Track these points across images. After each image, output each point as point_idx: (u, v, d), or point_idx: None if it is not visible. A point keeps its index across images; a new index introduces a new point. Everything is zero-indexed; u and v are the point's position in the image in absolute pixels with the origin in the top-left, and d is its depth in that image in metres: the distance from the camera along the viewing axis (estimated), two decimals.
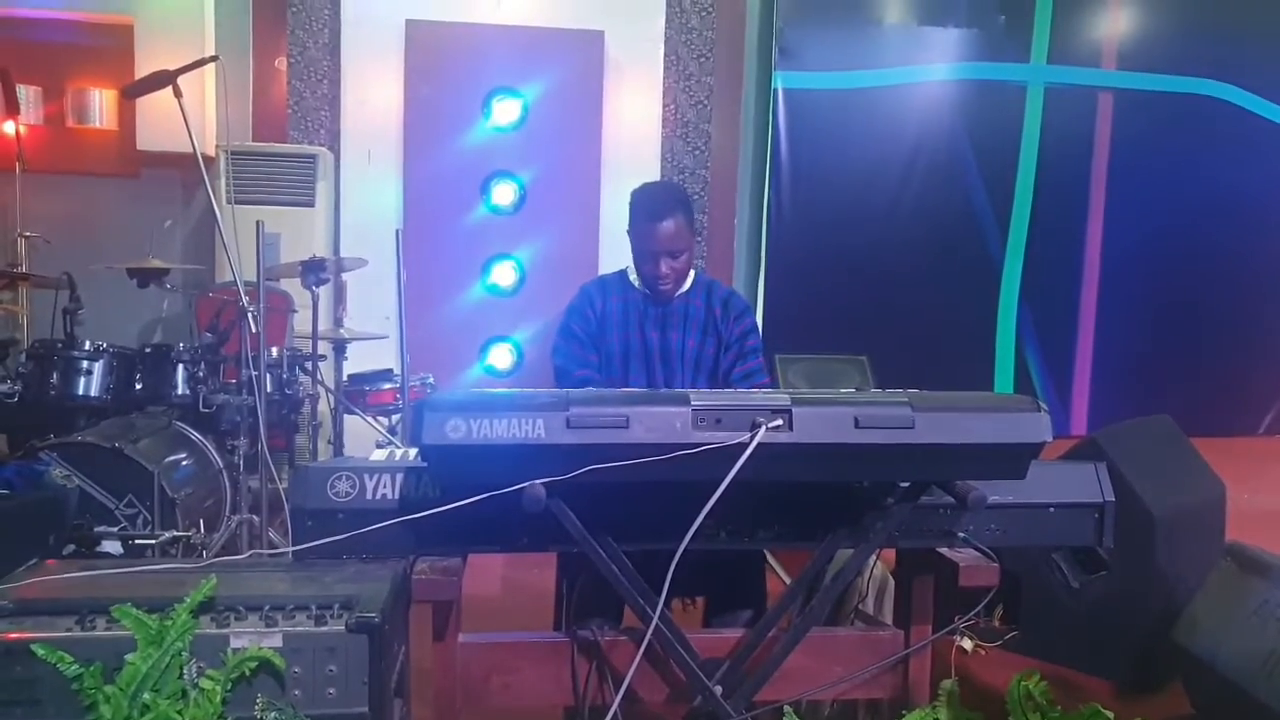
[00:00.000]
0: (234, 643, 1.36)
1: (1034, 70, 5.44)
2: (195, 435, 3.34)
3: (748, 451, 1.40)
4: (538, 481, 1.44)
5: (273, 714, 1.30)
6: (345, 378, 3.83)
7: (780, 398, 1.48)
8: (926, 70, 5.35)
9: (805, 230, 5.19)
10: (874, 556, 1.94)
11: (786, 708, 1.49)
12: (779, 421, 1.43)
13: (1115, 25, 5.56)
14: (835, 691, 1.81)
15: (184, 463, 3.20)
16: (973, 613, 1.71)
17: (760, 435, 1.41)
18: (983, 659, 2.50)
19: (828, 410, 1.46)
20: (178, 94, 3.13)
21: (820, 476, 1.55)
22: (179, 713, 1.26)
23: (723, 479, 1.41)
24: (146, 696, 1.26)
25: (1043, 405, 1.50)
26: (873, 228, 5.29)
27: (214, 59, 3.42)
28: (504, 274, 4.98)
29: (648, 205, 2.24)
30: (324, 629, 1.39)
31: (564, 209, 4.98)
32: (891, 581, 2.17)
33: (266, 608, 1.41)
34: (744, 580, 2.08)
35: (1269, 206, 5.76)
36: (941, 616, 1.82)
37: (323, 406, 3.88)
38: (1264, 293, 5.80)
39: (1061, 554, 2.46)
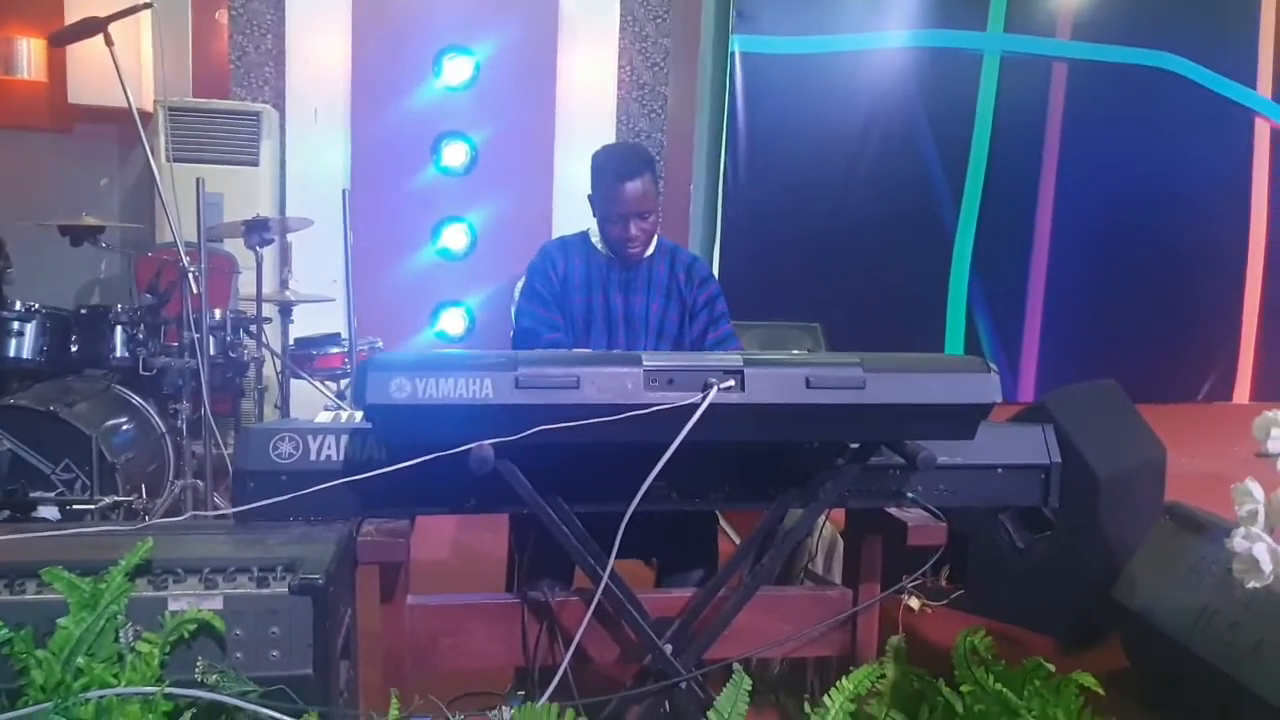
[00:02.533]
0: (172, 605, 1.32)
1: (990, 39, 5.46)
2: (136, 399, 3.23)
3: (699, 411, 1.39)
4: (486, 442, 1.42)
5: (214, 677, 1.27)
6: (292, 341, 3.74)
7: (732, 359, 1.47)
8: (884, 36, 5.34)
9: (761, 196, 5.18)
10: (823, 516, 1.95)
11: (736, 665, 1.49)
12: (731, 382, 1.43)
13: None
14: (784, 649, 1.83)
15: (124, 427, 3.10)
16: (920, 571, 1.73)
17: (712, 395, 1.40)
18: (929, 617, 2.56)
19: (779, 371, 1.46)
20: (109, 42, 2.98)
21: (772, 437, 1.55)
22: (115, 676, 1.22)
23: (674, 440, 1.41)
24: (81, 660, 1.23)
25: (992, 366, 1.52)
26: (828, 194, 5.30)
27: (147, 5, 3.25)
28: (455, 237, 4.89)
29: (616, 165, 2.18)
30: (266, 591, 1.36)
31: (517, 171, 4.90)
32: (840, 542, 2.19)
33: (206, 570, 1.37)
34: (696, 541, 2.09)
35: (1216, 180, 5.89)
36: (890, 576, 1.84)
37: (269, 370, 3.79)
38: (1207, 264, 5.95)
39: (1008, 514, 2.51)
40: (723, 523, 2.63)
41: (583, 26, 5.07)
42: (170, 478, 3.19)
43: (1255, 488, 1.38)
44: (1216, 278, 6.00)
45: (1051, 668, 1.45)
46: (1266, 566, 1.32)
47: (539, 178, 4.91)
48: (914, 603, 2.48)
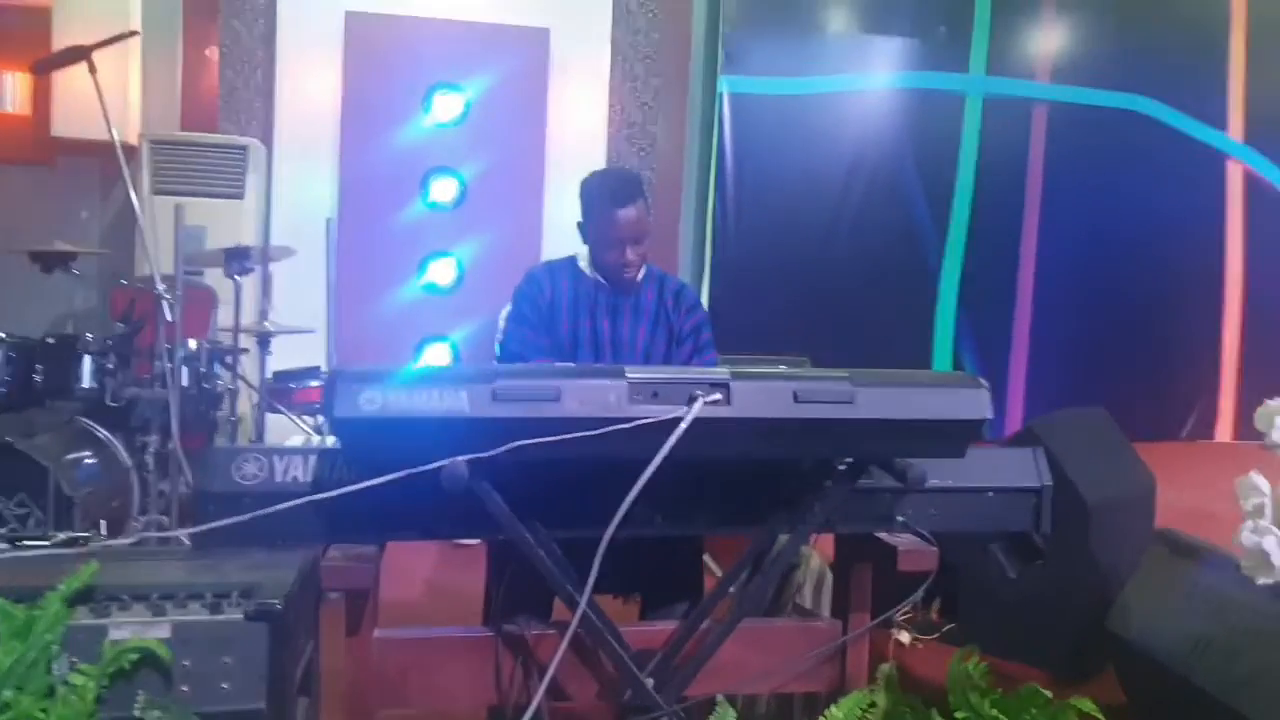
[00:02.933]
0: (114, 634, 1.23)
1: (972, 81, 5.52)
2: (102, 432, 3.12)
3: (684, 424, 1.33)
4: (459, 459, 1.35)
5: (155, 713, 1.17)
6: (270, 374, 3.66)
7: (719, 372, 1.42)
8: (869, 78, 5.39)
9: (749, 234, 5.17)
10: (811, 546, 1.88)
11: (720, 698, 1.41)
12: (717, 395, 1.37)
13: (1050, 39, 5.68)
14: (771, 684, 1.74)
15: (86, 460, 2.99)
16: (910, 598, 1.66)
17: (697, 409, 1.34)
18: (920, 652, 2.47)
19: (767, 385, 1.41)
20: (92, 69, 2.96)
21: (759, 453, 1.48)
22: (44, 711, 1.12)
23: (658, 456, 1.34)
24: (8, 694, 1.13)
25: (982, 382, 1.47)
26: (815, 233, 5.30)
27: (134, 34, 3.26)
28: (442, 272, 4.84)
29: (612, 191, 2.17)
30: (218, 618, 1.27)
31: (506, 207, 4.88)
32: (829, 575, 2.12)
33: (154, 596, 1.28)
34: (680, 572, 2.01)
35: (1193, 221, 5.93)
36: (880, 608, 1.77)
37: (245, 404, 3.70)
38: (1186, 304, 5.97)
39: (999, 544, 2.45)
40: (708, 560, 2.56)
41: (573, 65, 5.09)
42: (135, 514, 3.08)
43: (1261, 481, 1.32)
44: (1196, 317, 6.01)
45: (1048, 694, 1.38)
46: (1277, 560, 1.25)
47: (528, 214, 4.89)
48: (904, 637, 2.40)
